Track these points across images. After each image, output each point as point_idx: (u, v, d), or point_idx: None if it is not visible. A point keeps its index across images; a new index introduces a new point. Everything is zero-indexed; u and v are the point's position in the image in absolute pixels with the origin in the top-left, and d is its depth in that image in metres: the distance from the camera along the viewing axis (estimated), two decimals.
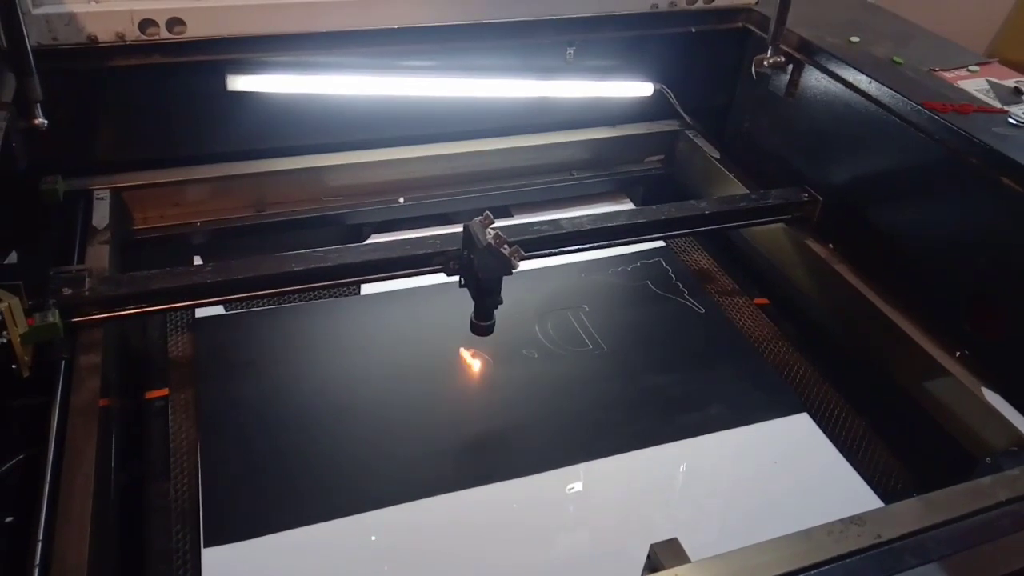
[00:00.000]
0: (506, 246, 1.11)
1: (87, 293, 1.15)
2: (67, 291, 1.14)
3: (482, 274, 1.16)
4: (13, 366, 1.03)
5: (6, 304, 1.00)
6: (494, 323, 1.24)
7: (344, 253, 1.29)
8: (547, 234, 1.35)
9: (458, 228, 1.67)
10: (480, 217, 1.16)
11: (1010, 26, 2.74)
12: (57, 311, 1.10)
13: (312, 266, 1.25)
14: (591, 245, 1.42)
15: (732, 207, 1.50)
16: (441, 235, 1.33)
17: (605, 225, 1.41)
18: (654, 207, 1.48)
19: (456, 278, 1.29)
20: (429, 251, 1.29)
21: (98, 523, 0.92)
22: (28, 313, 1.06)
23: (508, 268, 1.12)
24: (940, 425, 1.27)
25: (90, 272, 1.21)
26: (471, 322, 1.24)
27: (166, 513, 1.11)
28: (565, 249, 1.39)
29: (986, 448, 1.18)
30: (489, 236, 1.13)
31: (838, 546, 0.85)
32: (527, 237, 1.34)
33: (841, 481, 1.24)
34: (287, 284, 1.26)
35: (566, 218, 1.40)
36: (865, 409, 1.38)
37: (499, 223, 1.19)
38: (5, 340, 1.00)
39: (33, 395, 1.06)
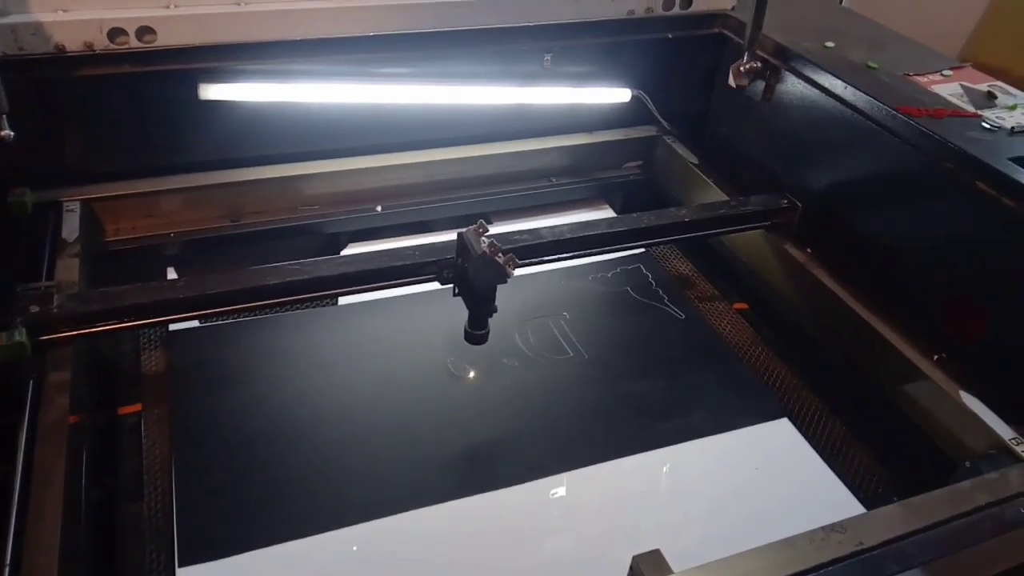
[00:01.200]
0: (501, 254, 1.11)
1: (56, 310, 1.12)
2: (35, 308, 1.11)
3: (477, 283, 1.15)
4: None
5: None
6: (488, 331, 1.23)
7: (331, 265, 1.27)
8: (526, 243, 1.34)
9: (437, 236, 1.68)
10: (474, 225, 1.15)
11: (983, 31, 2.78)
12: (24, 329, 1.07)
13: (289, 279, 1.23)
14: (571, 254, 1.41)
15: (712, 214, 1.50)
16: (423, 244, 1.31)
17: (586, 234, 1.40)
18: (635, 215, 1.47)
19: (434, 286, 1.27)
20: (423, 260, 1.27)
21: (68, 544, 0.90)
22: None
23: (503, 276, 1.12)
24: (919, 429, 1.27)
25: (59, 287, 1.19)
26: (465, 331, 1.23)
27: (139, 532, 1.09)
28: (545, 259, 1.38)
29: (965, 452, 1.19)
30: (484, 244, 1.12)
31: (820, 554, 0.85)
32: (506, 247, 1.32)
33: (822, 486, 1.24)
34: (266, 298, 1.24)
35: (546, 227, 1.39)
36: (845, 413, 1.38)
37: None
38: None
39: (1, 413, 1.03)
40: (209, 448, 1.21)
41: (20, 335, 1.06)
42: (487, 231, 1.14)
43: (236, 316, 1.43)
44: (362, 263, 1.28)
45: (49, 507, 0.92)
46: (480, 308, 1.20)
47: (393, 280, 1.29)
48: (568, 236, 1.38)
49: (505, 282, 1.13)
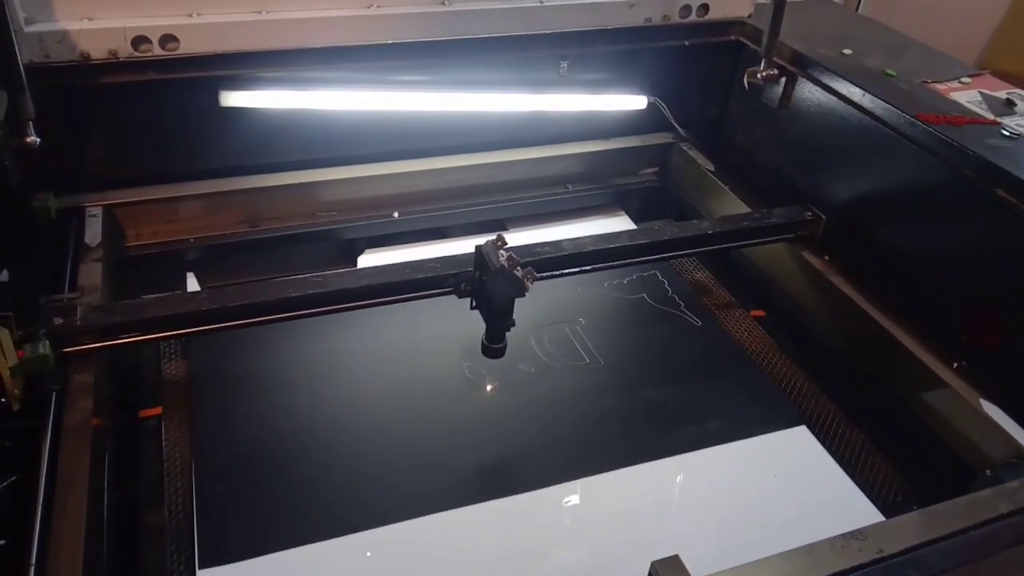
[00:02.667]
0: (519, 268, 1.10)
1: (79, 323, 1.13)
2: (58, 321, 1.12)
3: (495, 296, 1.14)
4: (2, 400, 1.01)
5: None
6: (506, 345, 1.23)
7: (352, 277, 1.28)
8: (547, 255, 1.34)
9: (454, 242, 1.69)
10: (492, 239, 1.14)
11: (1000, 38, 2.76)
12: (48, 342, 1.08)
13: (311, 292, 1.23)
14: (593, 267, 1.40)
15: (735, 227, 1.49)
16: (444, 257, 1.31)
17: (608, 246, 1.40)
18: (657, 227, 1.47)
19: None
20: (443, 273, 1.27)
21: (91, 545, 0.91)
22: (18, 344, 1.04)
23: (521, 290, 1.11)
24: (939, 437, 1.26)
25: (83, 292, 1.20)
26: (483, 344, 1.23)
27: (160, 534, 1.10)
28: (566, 271, 1.37)
29: (985, 460, 1.18)
30: (502, 258, 1.11)
31: (840, 561, 0.85)
32: (526, 259, 1.32)
33: (840, 493, 1.24)
34: (288, 311, 1.24)
35: (567, 239, 1.39)
36: (863, 421, 1.37)
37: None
38: None
39: (25, 417, 1.05)
40: (228, 451, 1.22)
41: (44, 347, 1.07)
42: (505, 244, 1.14)
43: None
44: (382, 276, 1.28)
45: (73, 507, 0.93)
46: (498, 322, 1.20)
47: (413, 292, 1.29)
48: (590, 248, 1.38)
49: (523, 296, 1.13)
